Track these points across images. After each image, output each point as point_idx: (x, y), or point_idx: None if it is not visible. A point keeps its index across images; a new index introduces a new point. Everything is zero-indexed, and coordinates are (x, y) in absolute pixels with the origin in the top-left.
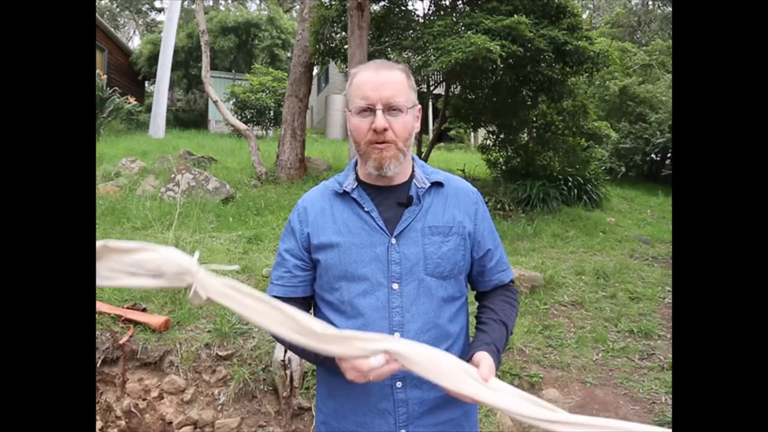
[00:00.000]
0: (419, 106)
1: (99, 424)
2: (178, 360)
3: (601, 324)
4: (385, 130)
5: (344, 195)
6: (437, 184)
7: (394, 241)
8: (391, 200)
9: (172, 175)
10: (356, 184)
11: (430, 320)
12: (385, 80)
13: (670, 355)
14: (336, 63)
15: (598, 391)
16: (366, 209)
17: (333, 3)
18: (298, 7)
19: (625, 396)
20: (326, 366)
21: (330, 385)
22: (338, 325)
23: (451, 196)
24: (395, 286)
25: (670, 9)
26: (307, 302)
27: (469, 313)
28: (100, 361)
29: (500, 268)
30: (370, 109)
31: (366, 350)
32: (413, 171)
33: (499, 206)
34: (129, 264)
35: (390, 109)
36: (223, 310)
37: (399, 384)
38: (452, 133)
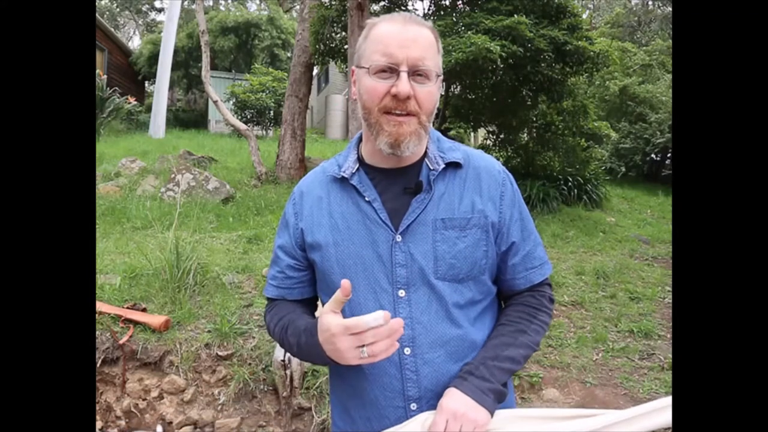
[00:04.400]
0: (442, 76)
1: (99, 424)
2: (178, 360)
3: (601, 324)
4: (409, 98)
5: (343, 181)
6: (454, 165)
7: (399, 238)
8: (398, 186)
9: (172, 175)
10: (357, 166)
11: (446, 332)
12: (414, 36)
13: (670, 355)
14: (336, 63)
15: (598, 391)
16: (367, 198)
17: (333, 3)
18: (298, 7)
19: (625, 396)
20: (318, 359)
21: (346, 404)
22: None
23: (471, 179)
24: (402, 293)
25: (670, 9)
26: (308, 303)
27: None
28: (100, 361)
29: (529, 264)
30: (391, 70)
31: None
32: (426, 148)
33: None
34: None
35: (416, 73)
36: (224, 310)
37: (414, 405)
38: (452, 133)
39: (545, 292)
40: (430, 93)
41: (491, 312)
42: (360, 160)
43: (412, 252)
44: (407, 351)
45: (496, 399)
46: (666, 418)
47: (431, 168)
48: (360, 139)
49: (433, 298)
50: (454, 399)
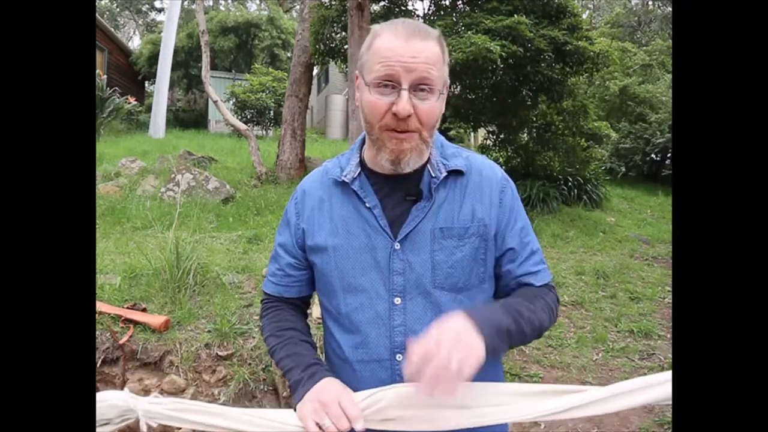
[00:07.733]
0: (448, 82)
1: None
2: (178, 360)
3: (601, 324)
4: (409, 116)
5: (344, 185)
6: (456, 173)
7: (398, 246)
8: (399, 193)
9: (172, 175)
10: (359, 171)
11: None
12: (417, 53)
13: (670, 355)
14: (336, 63)
15: None
16: (368, 205)
17: (333, 3)
18: (298, 7)
19: None
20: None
21: None
22: (338, 337)
23: (473, 187)
24: (397, 300)
25: (670, 9)
26: (304, 302)
27: None
28: (100, 361)
29: (525, 270)
30: (392, 86)
31: None
32: (429, 155)
33: None
34: None
35: (419, 89)
36: (224, 310)
37: None
38: (452, 133)
39: (546, 292)
40: (432, 108)
41: None
42: (362, 163)
43: (410, 261)
44: (399, 358)
45: (497, 336)
46: (654, 394)
47: (433, 176)
48: (363, 142)
49: (428, 308)
50: (455, 319)
